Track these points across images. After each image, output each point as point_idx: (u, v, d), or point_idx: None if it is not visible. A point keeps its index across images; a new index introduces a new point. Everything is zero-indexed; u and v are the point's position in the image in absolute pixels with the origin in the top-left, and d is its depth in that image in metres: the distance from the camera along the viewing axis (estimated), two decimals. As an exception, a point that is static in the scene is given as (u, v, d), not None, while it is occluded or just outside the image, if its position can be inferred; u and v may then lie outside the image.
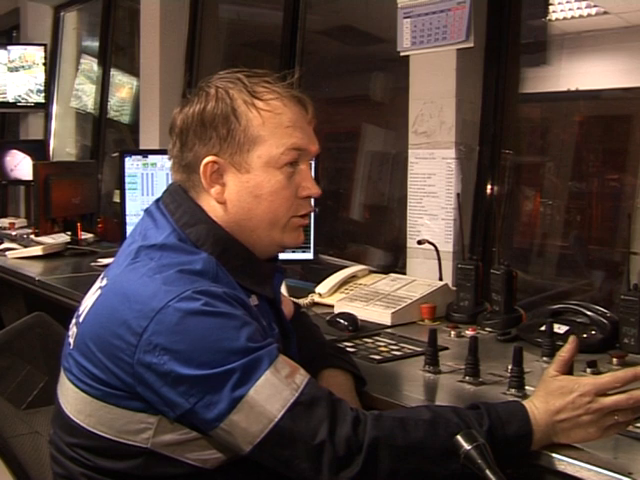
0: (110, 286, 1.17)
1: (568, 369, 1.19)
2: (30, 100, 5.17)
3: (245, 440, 1.05)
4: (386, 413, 1.12)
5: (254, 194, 1.22)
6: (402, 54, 2.41)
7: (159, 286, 1.09)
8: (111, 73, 4.74)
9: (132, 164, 2.64)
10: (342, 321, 1.96)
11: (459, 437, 1.04)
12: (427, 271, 2.29)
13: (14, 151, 4.83)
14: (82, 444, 1.16)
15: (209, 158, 1.21)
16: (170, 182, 1.30)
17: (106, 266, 1.28)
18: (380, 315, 2.02)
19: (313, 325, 1.57)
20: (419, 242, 2.29)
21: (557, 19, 2.40)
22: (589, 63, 2.43)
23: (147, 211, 1.26)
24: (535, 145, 2.60)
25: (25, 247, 3.42)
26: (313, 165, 2.18)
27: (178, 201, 1.24)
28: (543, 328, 1.67)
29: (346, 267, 2.44)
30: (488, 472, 1.01)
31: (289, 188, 1.23)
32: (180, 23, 3.84)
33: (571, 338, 1.20)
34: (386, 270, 2.48)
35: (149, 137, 3.75)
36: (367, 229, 3.19)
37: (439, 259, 2.26)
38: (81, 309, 1.22)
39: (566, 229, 2.46)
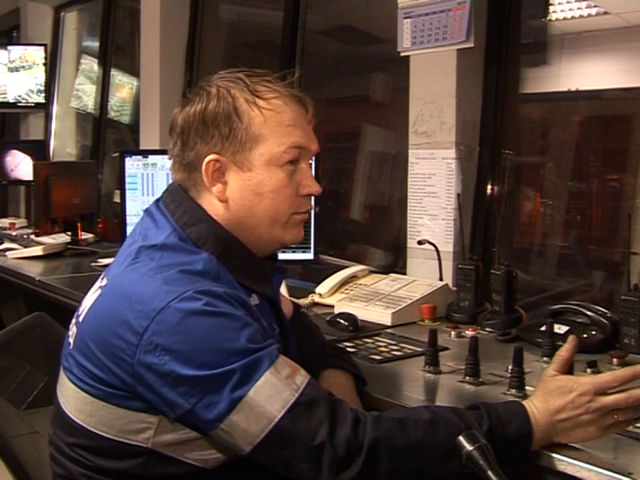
0: (110, 286, 1.17)
1: (568, 369, 1.18)
2: (30, 100, 5.17)
3: (245, 440, 1.05)
4: (386, 414, 1.12)
5: (256, 192, 1.22)
6: (402, 54, 2.41)
7: (160, 286, 1.09)
8: (111, 73, 4.74)
9: (132, 164, 2.64)
10: (342, 321, 1.96)
11: (461, 438, 1.04)
12: (427, 271, 2.29)
13: (14, 151, 4.83)
14: (82, 444, 1.16)
15: (211, 156, 1.21)
16: (170, 182, 1.30)
17: (106, 266, 1.28)
18: (380, 315, 2.02)
19: (313, 325, 1.57)
20: (419, 242, 2.29)
21: (557, 19, 2.40)
22: (589, 63, 2.43)
23: (147, 211, 1.26)
24: (535, 145, 2.60)
25: (25, 247, 3.42)
26: (313, 165, 2.19)
27: (178, 201, 1.24)
28: (543, 328, 1.67)
29: (346, 267, 2.43)
30: (490, 473, 1.00)
31: (290, 186, 1.24)
32: (180, 23, 3.84)
33: (570, 337, 1.20)
34: (386, 270, 2.48)
35: (149, 137, 3.75)
36: (367, 229, 3.19)
37: (439, 259, 2.26)
38: (81, 309, 1.22)
39: (566, 229, 2.46)
